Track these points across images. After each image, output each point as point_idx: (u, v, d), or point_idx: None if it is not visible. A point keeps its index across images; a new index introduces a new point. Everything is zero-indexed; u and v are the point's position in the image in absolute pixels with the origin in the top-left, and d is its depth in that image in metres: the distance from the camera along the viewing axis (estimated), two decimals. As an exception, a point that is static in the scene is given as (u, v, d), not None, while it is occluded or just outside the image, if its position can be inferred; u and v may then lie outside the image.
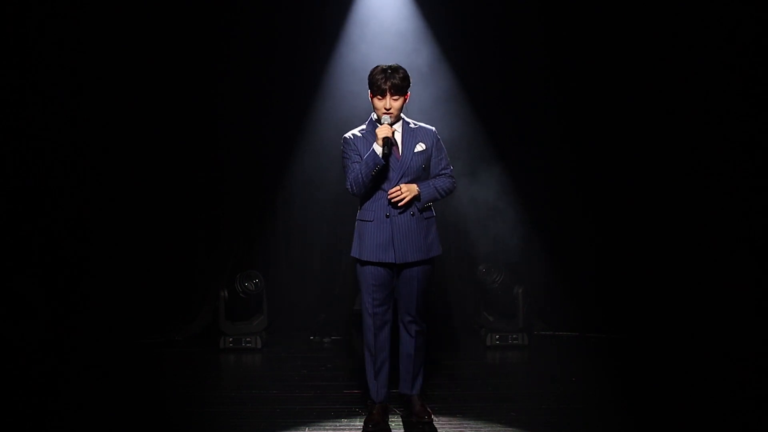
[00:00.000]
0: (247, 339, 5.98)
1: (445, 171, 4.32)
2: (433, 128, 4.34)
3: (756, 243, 5.87)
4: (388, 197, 4.16)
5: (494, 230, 6.20)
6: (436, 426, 4.29)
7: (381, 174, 4.16)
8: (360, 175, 4.12)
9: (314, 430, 4.26)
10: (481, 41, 6.23)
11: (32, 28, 5.82)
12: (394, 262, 4.19)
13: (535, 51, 6.24)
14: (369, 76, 4.17)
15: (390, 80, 4.10)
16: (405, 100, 4.20)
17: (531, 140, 6.30)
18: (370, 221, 4.22)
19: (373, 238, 4.20)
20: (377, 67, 4.17)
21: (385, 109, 4.14)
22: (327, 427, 4.30)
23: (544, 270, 6.36)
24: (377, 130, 4.12)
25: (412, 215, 4.21)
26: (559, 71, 6.24)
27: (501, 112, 6.27)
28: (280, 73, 6.27)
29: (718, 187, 5.96)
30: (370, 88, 4.17)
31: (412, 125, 4.30)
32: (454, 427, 4.27)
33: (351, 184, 4.17)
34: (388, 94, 4.11)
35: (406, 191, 4.15)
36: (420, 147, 4.24)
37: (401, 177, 4.20)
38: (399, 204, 4.16)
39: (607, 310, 6.26)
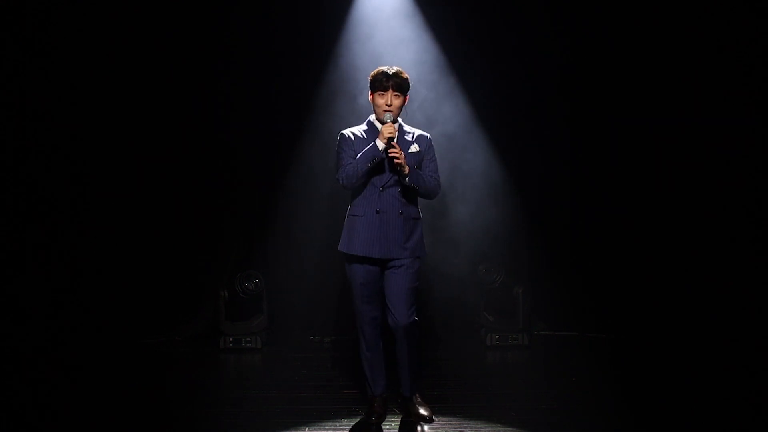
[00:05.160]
0: (247, 339, 5.99)
1: (433, 174, 4.40)
2: (428, 135, 4.43)
3: (754, 242, 5.88)
4: (389, 155, 4.16)
5: (494, 231, 6.21)
6: (437, 426, 4.29)
7: (374, 171, 4.24)
8: (356, 168, 4.19)
9: (314, 430, 4.27)
10: (481, 39, 6.23)
11: (50, 23, 5.83)
12: (378, 257, 4.26)
13: (534, 46, 6.23)
14: (371, 76, 4.27)
15: (392, 79, 4.20)
16: (404, 101, 4.28)
17: (531, 141, 6.30)
18: (360, 216, 4.29)
19: (362, 234, 4.27)
20: (379, 68, 4.28)
21: (386, 105, 4.22)
22: (327, 427, 4.30)
23: (544, 270, 6.36)
24: (383, 128, 4.16)
25: (400, 213, 4.29)
26: (562, 70, 6.24)
27: (502, 112, 6.27)
28: (280, 74, 6.26)
29: (716, 187, 5.97)
30: (371, 87, 4.27)
31: (408, 129, 4.41)
32: (454, 427, 4.27)
33: (343, 177, 4.25)
34: (390, 90, 4.20)
35: (401, 155, 4.16)
36: (414, 148, 4.33)
37: (393, 175, 4.27)
38: (395, 161, 4.16)
39: (606, 310, 6.26)
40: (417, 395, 4.47)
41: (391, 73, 4.21)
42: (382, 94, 4.22)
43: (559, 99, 6.26)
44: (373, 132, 4.29)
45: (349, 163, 4.22)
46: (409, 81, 4.28)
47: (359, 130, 4.35)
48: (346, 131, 4.35)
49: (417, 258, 4.34)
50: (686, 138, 6.04)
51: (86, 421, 4.40)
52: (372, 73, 4.27)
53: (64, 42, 5.90)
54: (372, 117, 4.33)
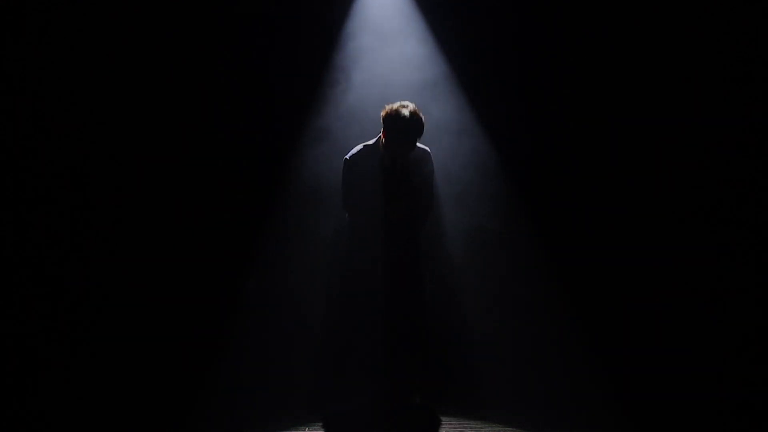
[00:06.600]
0: (248, 339, 5.99)
1: (428, 196, 4.56)
2: (429, 150, 4.40)
3: (754, 243, 5.88)
4: None
5: (494, 231, 6.21)
6: (437, 426, 4.29)
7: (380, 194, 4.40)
8: (356, 219, 4.49)
9: (314, 430, 4.27)
10: (478, 35, 6.24)
11: (51, 23, 5.83)
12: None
13: (534, 39, 6.24)
14: (389, 121, 4.15)
15: (405, 147, 4.21)
16: None
17: (532, 141, 6.30)
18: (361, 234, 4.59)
19: (364, 249, 4.65)
20: (399, 117, 4.13)
21: (392, 159, 4.30)
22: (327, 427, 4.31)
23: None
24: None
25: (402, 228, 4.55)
26: (562, 67, 6.24)
27: (500, 109, 6.27)
28: (281, 69, 6.25)
29: (716, 186, 5.98)
30: (384, 128, 4.16)
31: (411, 156, 4.40)
32: (454, 428, 4.28)
33: (344, 209, 4.55)
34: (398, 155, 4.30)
35: None
36: (417, 177, 4.34)
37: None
38: None
39: (606, 310, 6.25)
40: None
41: (407, 138, 4.13)
42: (391, 154, 4.22)
43: (559, 97, 6.26)
44: (377, 160, 4.24)
45: (352, 204, 4.38)
46: (423, 129, 4.23)
47: (364, 155, 4.30)
48: (350, 155, 4.32)
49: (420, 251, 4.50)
50: (686, 138, 6.05)
51: (86, 421, 4.40)
52: (391, 117, 4.14)
53: (63, 41, 5.90)
54: (381, 141, 4.27)
